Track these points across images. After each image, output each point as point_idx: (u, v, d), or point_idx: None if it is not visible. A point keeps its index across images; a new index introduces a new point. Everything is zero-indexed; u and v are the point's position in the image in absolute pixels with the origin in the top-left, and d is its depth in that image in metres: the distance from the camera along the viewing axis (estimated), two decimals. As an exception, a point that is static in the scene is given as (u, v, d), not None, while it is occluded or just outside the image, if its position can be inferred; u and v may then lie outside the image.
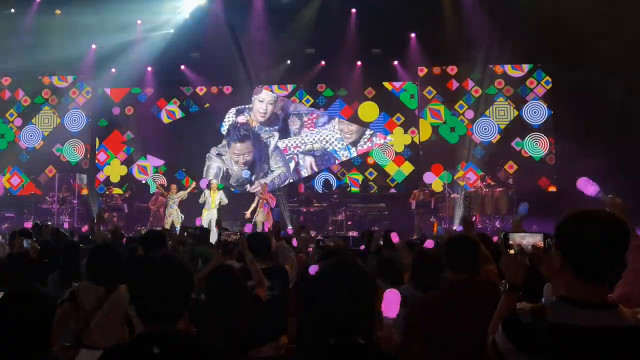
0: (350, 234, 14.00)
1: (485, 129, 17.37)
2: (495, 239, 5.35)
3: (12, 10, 16.94)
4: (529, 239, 2.40)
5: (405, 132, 17.91)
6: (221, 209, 15.27)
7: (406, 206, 15.73)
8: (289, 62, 17.82)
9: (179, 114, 18.82)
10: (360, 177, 17.80)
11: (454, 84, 17.64)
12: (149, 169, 18.55)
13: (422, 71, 17.81)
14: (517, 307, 2.15)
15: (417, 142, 17.76)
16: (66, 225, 14.80)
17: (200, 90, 18.78)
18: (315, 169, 18.12)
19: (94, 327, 3.94)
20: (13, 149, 18.84)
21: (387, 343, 2.96)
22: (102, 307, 3.99)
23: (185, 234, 7.12)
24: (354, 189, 17.59)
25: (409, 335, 3.43)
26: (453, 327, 3.29)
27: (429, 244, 6.13)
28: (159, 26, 17.26)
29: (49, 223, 9.52)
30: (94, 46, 17.92)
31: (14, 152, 18.81)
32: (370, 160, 17.94)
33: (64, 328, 3.99)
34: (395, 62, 17.64)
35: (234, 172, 18.40)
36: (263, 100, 18.41)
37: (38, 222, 10.91)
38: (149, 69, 18.40)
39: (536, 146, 17.04)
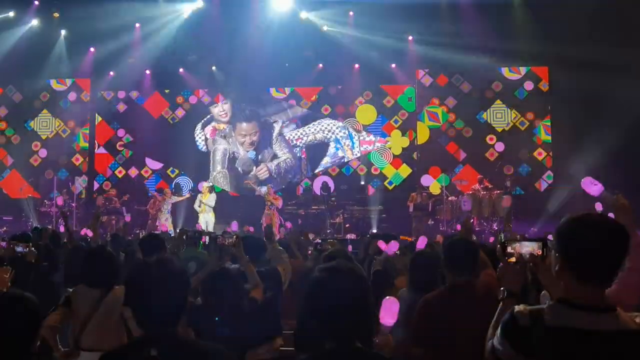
0: (348, 236, 13.99)
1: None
2: (491, 239, 5.39)
3: (11, 14, 16.92)
4: (527, 248, 2.40)
5: (403, 134, 17.92)
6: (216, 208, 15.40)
7: (404, 209, 15.73)
8: (286, 65, 17.81)
9: (177, 116, 18.79)
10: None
11: (451, 87, 17.66)
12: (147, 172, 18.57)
13: (420, 74, 17.82)
14: (516, 310, 2.13)
15: (415, 145, 17.76)
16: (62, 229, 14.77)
17: (198, 93, 18.78)
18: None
19: (91, 329, 3.95)
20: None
21: (384, 349, 2.97)
22: (98, 310, 4.00)
23: (184, 237, 7.13)
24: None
25: (408, 338, 3.44)
26: (451, 329, 3.30)
27: (422, 242, 6.12)
28: (157, 29, 17.25)
29: (49, 227, 9.47)
30: (92, 49, 17.91)
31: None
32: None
33: (59, 333, 4.00)
34: (393, 65, 17.64)
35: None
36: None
37: (38, 226, 10.90)
38: (147, 72, 18.40)
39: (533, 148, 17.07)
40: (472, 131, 17.42)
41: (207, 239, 6.66)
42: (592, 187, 4.19)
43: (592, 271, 2.05)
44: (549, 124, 17.08)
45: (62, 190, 17.26)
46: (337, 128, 18.20)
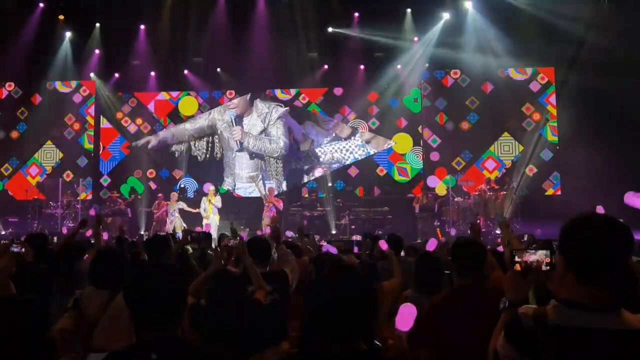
0: (354, 237, 13.98)
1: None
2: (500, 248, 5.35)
3: (16, 16, 16.98)
4: (534, 256, 2.36)
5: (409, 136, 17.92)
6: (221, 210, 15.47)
7: (410, 210, 15.71)
8: (292, 66, 17.80)
9: (181, 118, 18.85)
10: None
11: (456, 87, 17.64)
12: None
13: (425, 75, 17.80)
14: (519, 311, 2.12)
15: (421, 146, 17.74)
16: (64, 231, 14.80)
17: (204, 95, 18.82)
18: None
19: (100, 331, 3.92)
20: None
21: (397, 349, 2.95)
22: (106, 312, 3.97)
23: (189, 238, 7.11)
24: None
25: (415, 340, 3.42)
26: (458, 331, 3.26)
27: (432, 245, 6.10)
28: (163, 31, 17.27)
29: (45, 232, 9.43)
30: (97, 51, 17.95)
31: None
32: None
33: (70, 337, 3.97)
34: (399, 66, 17.62)
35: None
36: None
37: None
38: (152, 73, 18.43)
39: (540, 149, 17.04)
40: (478, 132, 17.36)
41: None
42: (636, 199, 4.14)
43: (594, 272, 2.04)
44: (555, 124, 17.02)
45: (67, 191, 17.29)
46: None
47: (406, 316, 2.96)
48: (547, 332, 2.03)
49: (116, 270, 4.09)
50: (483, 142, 17.38)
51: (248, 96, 18.42)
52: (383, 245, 5.96)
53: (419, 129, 17.83)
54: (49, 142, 18.92)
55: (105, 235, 8.64)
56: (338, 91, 18.34)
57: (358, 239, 13.16)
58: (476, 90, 17.40)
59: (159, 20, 17.01)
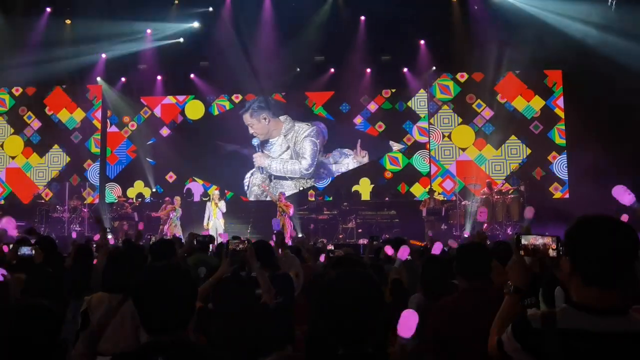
0: (361, 241, 13.96)
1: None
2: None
3: (24, 20, 17.09)
4: (541, 241, 2.35)
5: (416, 138, 17.90)
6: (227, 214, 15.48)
7: (417, 213, 15.67)
8: (298, 69, 17.81)
9: (188, 122, 18.88)
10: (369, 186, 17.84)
11: (463, 90, 17.63)
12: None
13: (432, 78, 17.77)
14: (528, 314, 2.13)
15: (428, 149, 17.72)
16: (74, 235, 14.82)
17: (211, 100, 18.84)
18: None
19: (107, 335, 3.90)
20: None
21: (398, 357, 2.93)
22: (116, 316, 3.94)
23: (194, 242, 7.10)
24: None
25: (420, 344, 3.39)
26: (464, 335, 3.26)
27: (437, 248, 6.07)
28: (168, 35, 17.33)
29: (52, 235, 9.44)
30: (104, 55, 18.01)
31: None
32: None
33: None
34: (405, 69, 17.61)
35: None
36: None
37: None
38: (159, 77, 18.47)
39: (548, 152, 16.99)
40: (485, 135, 17.33)
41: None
42: (626, 195, 4.10)
43: (600, 274, 2.03)
44: (563, 127, 16.97)
45: (73, 195, 17.33)
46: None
47: (408, 322, 2.94)
48: (555, 335, 2.02)
49: (131, 273, 4.04)
50: (491, 144, 17.33)
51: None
52: (388, 250, 5.93)
53: (426, 131, 17.79)
54: (55, 145, 18.98)
55: (111, 240, 8.65)
56: (344, 94, 18.32)
57: (365, 242, 13.17)
58: (484, 92, 17.34)
59: (166, 24, 17.05)
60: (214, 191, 16.33)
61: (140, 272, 2.27)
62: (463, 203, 15.55)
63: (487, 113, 17.37)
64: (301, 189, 18.14)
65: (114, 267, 4.12)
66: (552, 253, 2.32)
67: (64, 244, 10.74)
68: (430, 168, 17.66)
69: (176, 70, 18.13)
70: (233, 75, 17.43)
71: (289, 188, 17.95)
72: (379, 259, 6.70)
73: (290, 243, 11.75)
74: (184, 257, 6.05)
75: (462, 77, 17.66)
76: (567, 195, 16.58)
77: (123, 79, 18.50)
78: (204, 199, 17.66)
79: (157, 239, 8.36)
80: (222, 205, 15.65)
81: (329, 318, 2.11)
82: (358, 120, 18.24)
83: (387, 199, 16.82)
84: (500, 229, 14.55)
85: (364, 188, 17.88)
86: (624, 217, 6.17)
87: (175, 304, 2.14)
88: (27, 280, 4.80)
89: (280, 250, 5.82)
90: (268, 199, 16.96)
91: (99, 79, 18.52)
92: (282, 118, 18.40)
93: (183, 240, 9.00)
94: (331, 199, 17.39)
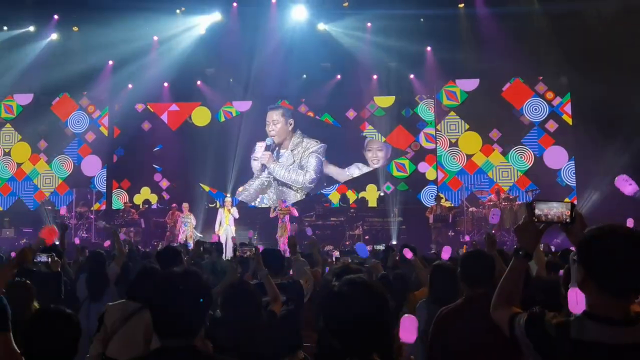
0: (368, 248, 13.88)
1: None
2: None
3: (31, 28, 17.17)
4: (555, 211, 2.32)
5: (422, 145, 17.87)
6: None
7: (424, 220, 15.61)
8: (304, 76, 17.82)
9: (195, 128, 18.91)
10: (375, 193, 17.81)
11: (471, 97, 17.59)
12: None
13: (439, 84, 17.74)
14: (546, 317, 2.12)
15: (435, 155, 17.69)
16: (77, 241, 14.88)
17: (218, 106, 18.88)
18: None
19: (116, 340, 3.90)
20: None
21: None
22: (128, 322, 3.94)
23: (201, 249, 7.10)
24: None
25: (427, 349, 3.44)
26: (468, 341, 3.27)
27: (446, 253, 6.06)
28: (175, 42, 17.37)
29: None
30: (110, 62, 18.06)
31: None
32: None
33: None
34: (412, 76, 17.59)
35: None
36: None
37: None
38: (165, 84, 18.50)
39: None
40: (492, 142, 17.29)
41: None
42: (627, 185, 4.09)
43: (614, 283, 2.00)
44: (570, 132, 16.91)
45: (80, 202, 17.36)
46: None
47: (408, 327, 2.94)
48: (568, 345, 2.01)
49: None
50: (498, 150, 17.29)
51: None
52: (408, 253, 5.94)
53: (433, 138, 17.76)
54: (62, 152, 19.06)
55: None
56: (350, 101, 18.31)
57: (371, 249, 13.11)
58: (490, 98, 17.29)
59: (172, 31, 17.09)
60: (227, 198, 16.33)
61: (158, 276, 2.28)
62: (470, 209, 15.49)
63: (494, 119, 17.30)
64: (305, 195, 18.15)
65: (147, 280, 4.17)
66: (566, 219, 2.30)
67: (68, 250, 10.74)
68: (437, 174, 17.61)
69: (182, 77, 18.15)
70: (239, 82, 17.46)
71: (289, 196, 17.96)
72: (385, 265, 6.68)
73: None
74: (192, 264, 6.04)
75: (469, 83, 17.61)
76: (575, 202, 16.46)
77: (130, 86, 18.53)
78: (210, 205, 17.64)
79: (164, 247, 8.38)
80: (235, 211, 15.67)
81: (335, 327, 2.10)
82: (364, 126, 18.21)
83: (395, 209, 16.74)
84: (508, 236, 14.46)
85: (371, 195, 17.83)
86: (629, 222, 6.14)
87: (189, 310, 2.14)
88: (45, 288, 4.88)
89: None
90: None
91: (105, 85, 18.55)
92: (297, 133, 18.42)
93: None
94: (337, 205, 17.36)
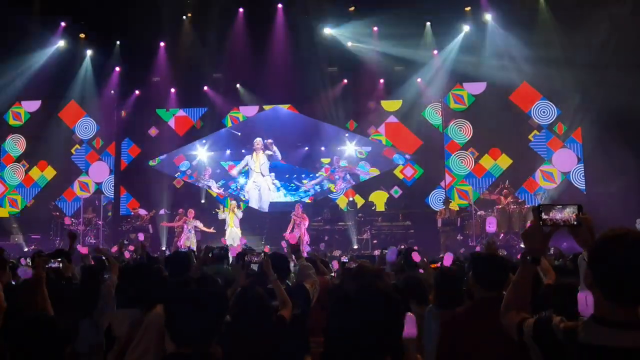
0: (376, 252, 13.88)
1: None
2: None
3: (39, 35, 17.28)
4: (562, 214, 2.31)
5: (430, 148, 17.84)
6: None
7: (432, 224, 15.57)
8: (311, 80, 17.83)
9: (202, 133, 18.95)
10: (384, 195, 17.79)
11: (479, 101, 17.55)
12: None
13: (446, 88, 17.71)
14: (553, 322, 2.12)
15: (444, 159, 17.65)
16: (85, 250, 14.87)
17: (225, 112, 18.91)
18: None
19: (131, 350, 3.85)
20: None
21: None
22: (138, 331, 3.86)
23: (210, 255, 7.07)
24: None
25: (438, 352, 3.44)
26: (479, 344, 3.26)
27: (448, 259, 6.05)
28: (182, 47, 17.41)
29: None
30: (118, 68, 18.13)
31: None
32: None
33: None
34: (419, 80, 17.56)
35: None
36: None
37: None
38: (172, 90, 18.54)
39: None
40: (500, 144, 17.24)
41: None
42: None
43: (619, 291, 1.99)
44: (579, 136, 16.86)
45: (88, 208, 17.40)
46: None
47: (408, 322, 2.95)
48: (576, 349, 2.01)
49: (145, 286, 3.97)
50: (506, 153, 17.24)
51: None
52: (416, 257, 5.91)
53: (440, 142, 17.72)
54: (70, 158, 19.13)
55: (126, 254, 8.64)
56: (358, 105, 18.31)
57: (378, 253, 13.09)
58: (498, 101, 17.24)
59: (178, 37, 17.15)
60: (231, 201, 16.33)
61: (176, 283, 2.28)
62: (479, 213, 15.43)
63: (502, 122, 17.24)
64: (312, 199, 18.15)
65: (128, 281, 4.09)
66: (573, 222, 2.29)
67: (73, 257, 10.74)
68: (445, 178, 17.57)
69: (189, 82, 18.19)
70: (246, 87, 17.50)
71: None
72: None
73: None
74: (199, 269, 6.01)
75: (476, 86, 17.57)
76: (581, 205, 16.35)
77: (137, 92, 18.58)
78: (217, 210, 17.66)
79: (172, 252, 8.37)
80: (239, 213, 15.68)
81: (346, 331, 2.08)
82: (371, 130, 18.19)
83: (400, 217, 16.68)
84: (517, 240, 14.38)
85: (379, 199, 17.80)
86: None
87: (206, 316, 2.13)
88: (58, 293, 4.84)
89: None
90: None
91: (112, 92, 18.62)
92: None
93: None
94: (346, 209, 17.34)
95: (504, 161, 17.22)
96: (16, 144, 19.29)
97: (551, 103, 17.12)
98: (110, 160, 19.07)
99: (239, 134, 18.52)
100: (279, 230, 15.74)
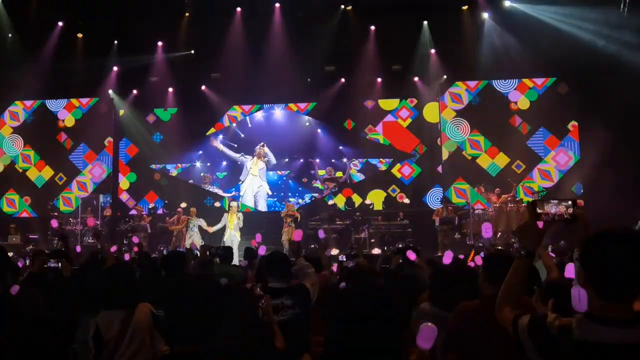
0: (374, 251, 13.89)
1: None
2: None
3: (35, 34, 17.26)
4: (557, 209, 2.37)
5: (427, 147, 17.90)
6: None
7: (429, 223, 15.57)
8: (309, 79, 17.82)
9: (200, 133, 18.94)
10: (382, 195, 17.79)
11: (476, 99, 17.56)
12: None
13: (444, 87, 17.71)
14: (548, 319, 2.14)
15: (440, 158, 17.65)
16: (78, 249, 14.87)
17: (223, 111, 18.91)
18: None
19: (121, 351, 3.83)
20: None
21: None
22: (126, 332, 3.83)
23: (207, 253, 7.08)
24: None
25: (444, 345, 3.43)
26: (486, 338, 3.26)
27: (447, 258, 6.04)
28: (179, 47, 17.40)
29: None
30: (115, 68, 18.11)
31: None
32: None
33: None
34: (416, 78, 17.57)
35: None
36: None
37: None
38: (170, 89, 18.52)
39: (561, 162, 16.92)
40: (498, 143, 17.25)
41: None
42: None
43: (610, 288, 2.03)
44: (576, 134, 16.88)
45: (87, 208, 17.38)
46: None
47: (428, 335, 2.93)
48: (571, 346, 2.04)
49: (130, 286, 3.90)
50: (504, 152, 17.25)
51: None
52: (411, 255, 5.91)
53: (438, 140, 17.72)
54: (68, 158, 19.11)
55: (126, 256, 8.62)
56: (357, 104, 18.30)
57: (378, 252, 13.09)
58: (495, 101, 17.26)
59: (176, 37, 17.13)
60: (232, 203, 16.30)
61: (176, 283, 2.28)
62: (477, 212, 15.43)
63: (500, 120, 17.26)
64: (313, 198, 18.12)
65: (115, 282, 4.05)
66: (567, 216, 2.35)
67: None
68: (443, 177, 17.58)
69: (187, 82, 18.18)
70: (243, 87, 17.49)
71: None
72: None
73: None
74: (196, 269, 6.01)
75: (474, 85, 17.58)
76: (575, 200, 16.34)
77: (135, 92, 18.56)
78: (216, 205, 17.65)
79: (169, 252, 8.37)
80: (240, 216, 15.65)
81: (344, 331, 2.10)
82: (369, 129, 18.19)
83: (401, 214, 16.67)
84: (516, 238, 14.40)
85: (377, 198, 17.81)
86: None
87: (206, 317, 2.14)
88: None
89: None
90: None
91: (110, 91, 18.59)
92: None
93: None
94: (344, 208, 17.35)
95: (502, 159, 17.22)
96: (13, 144, 19.26)
97: (549, 102, 17.12)
98: (108, 160, 19.03)
99: (236, 146, 18.56)
100: (275, 231, 15.73)
